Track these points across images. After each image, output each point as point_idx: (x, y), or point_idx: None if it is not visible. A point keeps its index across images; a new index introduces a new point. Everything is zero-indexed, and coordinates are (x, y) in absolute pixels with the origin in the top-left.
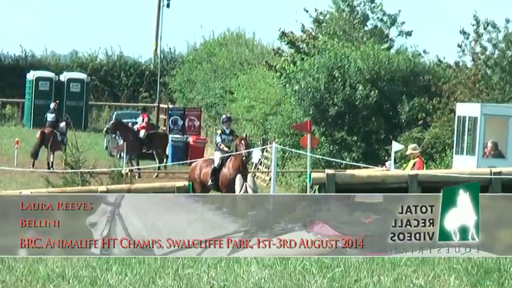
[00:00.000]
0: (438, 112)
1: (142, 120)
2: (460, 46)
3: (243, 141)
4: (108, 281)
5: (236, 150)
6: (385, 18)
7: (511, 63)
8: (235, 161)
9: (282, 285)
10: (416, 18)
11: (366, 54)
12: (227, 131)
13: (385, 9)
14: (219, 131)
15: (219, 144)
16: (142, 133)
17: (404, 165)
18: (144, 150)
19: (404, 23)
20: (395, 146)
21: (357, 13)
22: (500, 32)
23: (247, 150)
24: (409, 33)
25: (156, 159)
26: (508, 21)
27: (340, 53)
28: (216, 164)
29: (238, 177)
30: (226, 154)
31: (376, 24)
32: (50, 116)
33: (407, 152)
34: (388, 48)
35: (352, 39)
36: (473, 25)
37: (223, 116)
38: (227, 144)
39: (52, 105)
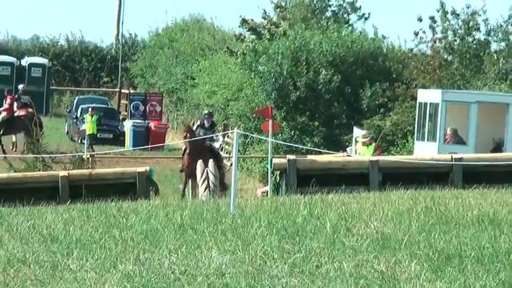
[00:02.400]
0: (399, 99)
1: (5, 102)
2: (416, 34)
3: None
4: (69, 266)
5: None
6: (344, 4)
7: (470, 50)
8: (191, 150)
9: (243, 271)
10: (374, 3)
11: (329, 37)
12: (206, 125)
13: None
14: (198, 122)
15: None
16: (0, 117)
17: (359, 149)
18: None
19: (361, 7)
20: (357, 132)
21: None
22: (459, 18)
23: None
24: (366, 18)
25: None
26: (468, 6)
27: (305, 36)
28: (182, 150)
29: (199, 162)
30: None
31: (335, 10)
32: (25, 98)
33: (359, 140)
34: (349, 33)
35: (314, 25)
36: (438, 10)
37: (205, 111)
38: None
39: (21, 87)
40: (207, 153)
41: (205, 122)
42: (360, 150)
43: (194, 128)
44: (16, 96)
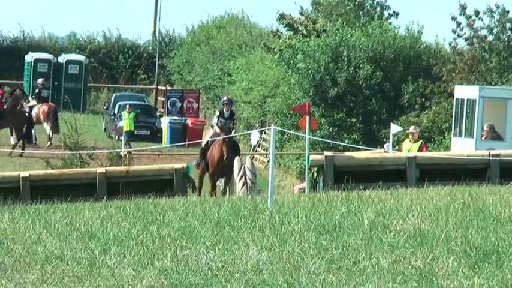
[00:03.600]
0: (436, 97)
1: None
2: (454, 32)
3: (224, 128)
4: (107, 263)
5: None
6: (373, 2)
7: (506, 47)
8: (219, 144)
9: (280, 267)
10: (405, 2)
11: (370, 33)
12: (226, 114)
13: None
14: (218, 112)
15: (213, 126)
16: None
17: (406, 146)
18: None
19: (389, 6)
20: (394, 128)
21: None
22: (493, 17)
23: (226, 136)
24: (397, 14)
25: (14, 136)
26: (497, 6)
27: (345, 32)
28: (203, 145)
29: (237, 159)
30: (216, 137)
31: (369, 9)
32: (45, 92)
33: (409, 131)
34: (391, 29)
35: (350, 22)
36: (461, 14)
37: (224, 98)
38: (221, 125)
39: (41, 81)
40: (234, 153)
41: (224, 110)
42: (406, 146)
43: (215, 120)
44: (36, 90)
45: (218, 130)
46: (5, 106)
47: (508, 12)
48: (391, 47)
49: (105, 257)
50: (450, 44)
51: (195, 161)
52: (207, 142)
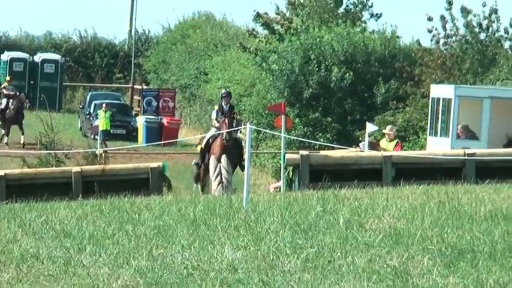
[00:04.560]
0: (410, 97)
1: None
2: (430, 31)
3: (226, 121)
4: (82, 262)
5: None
6: (356, 1)
7: (483, 46)
8: (218, 142)
9: (255, 266)
10: (386, 2)
11: (340, 36)
12: (225, 108)
13: None
14: (216, 107)
15: (212, 122)
16: None
17: (383, 145)
18: None
19: (372, 4)
20: (370, 128)
21: None
22: (474, 16)
23: (228, 130)
24: (379, 16)
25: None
26: (484, 5)
27: (315, 35)
28: (203, 145)
29: (212, 158)
30: (216, 133)
31: (349, 8)
32: (10, 88)
33: (385, 131)
34: (362, 31)
35: (327, 21)
36: (446, 9)
37: (223, 91)
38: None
39: (8, 79)
40: (234, 148)
41: (223, 104)
42: (383, 145)
43: (213, 115)
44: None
45: (217, 124)
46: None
47: (494, 11)
48: (363, 49)
49: (80, 256)
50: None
51: (194, 161)
52: (208, 141)
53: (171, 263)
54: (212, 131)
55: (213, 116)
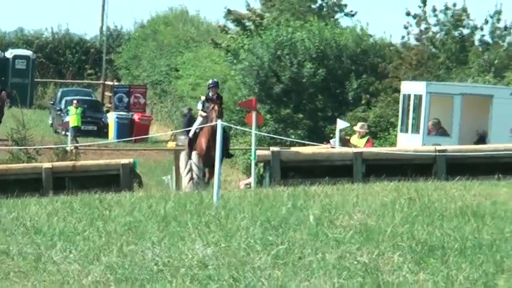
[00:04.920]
0: (382, 93)
1: None
2: (406, 27)
3: (216, 107)
4: (53, 258)
5: (209, 120)
6: (330, 3)
7: (456, 43)
8: (205, 131)
9: (226, 263)
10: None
11: (312, 33)
12: (213, 97)
13: None
14: (203, 98)
15: (198, 112)
16: None
17: (354, 141)
18: None
19: (346, 5)
20: (341, 124)
21: None
22: (447, 11)
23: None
24: (353, 15)
25: None
26: (455, 4)
27: (287, 31)
28: (190, 134)
29: (183, 154)
30: (203, 126)
31: (322, 5)
32: None
33: (356, 128)
34: (333, 27)
35: (300, 17)
36: (420, 7)
37: (210, 81)
38: (207, 110)
39: None
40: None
41: (210, 94)
42: (354, 142)
43: (199, 105)
44: None
45: (204, 114)
46: None
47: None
48: (335, 45)
49: (51, 252)
50: (401, 44)
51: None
52: (195, 131)
53: (142, 260)
54: (199, 121)
55: (199, 106)
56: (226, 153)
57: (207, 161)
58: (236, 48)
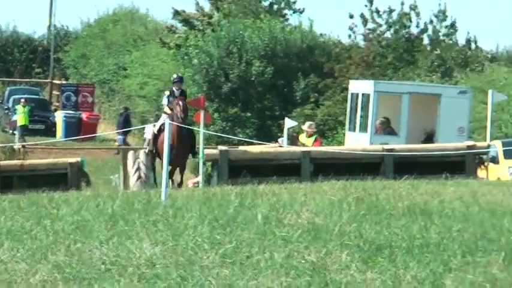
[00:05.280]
0: (330, 91)
1: None
2: (351, 29)
3: (180, 102)
4: (0, 257)
5: (174, 116)
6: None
7: (403, 43)
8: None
9: (173, 261)
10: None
11: (261, 30)
12: (177, 93)
13: None
14: (167, 92)
15: (163, 107)
16: None
17: (302, 140)
18: None
19: (295, 2)
20: (288, 123)
21: None
22: (393, 12)
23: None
24: (301, 12)
25: None
26: (402, 3)
27: (238, 28)
28: (155, 130)
29: (131, 153)
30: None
31: (272, 2)
32: None
33: (304, 128)
34: (283, 27)
35: (249, 14)
36: (366, 6)
37: (174, 76)
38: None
39: None
40: (188, 136)
41: (174, 89)
42: (302, 140)
43: (165, 100)
44: None
45: (169, 111)
46: None
47: (412, 9)
48: (282, 44)
49: None
50: (349, 45)
51: (147, 149)
52: (160, 127)
53: (89, 258)
54: (163, 118)
55: (164, 101)
56: (192, 152)
57: (171, 160)
58: (186, 46)
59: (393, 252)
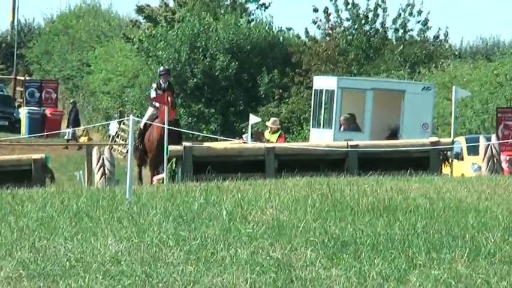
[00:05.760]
0: (294, 87)
1: None
2: (315, 23)
3: (168, 98)
4: None
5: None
6: None
7: (367, 38)
8: (159, 121)
9: (138, 258)
10: None
11: (226, 25)
12: (164, 86)
13: None
14: (154, 85)
15: (152, 101)
16: None
17: (266, 136)
18: None
19: None
20: (253, 119)
21: None
22: (357, 8)
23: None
24: (266, 7)
25: None
26: None
27: (204, 23)
28: (141, 125)
29: (95, 149)
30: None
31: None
32: None
33: (268, 124)
34: (249, 21)
35: (213, 11)
36: (331, 0)
37: (161, 68)
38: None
39: None
40: (174, 132)
41: (161, 81)
42: (266, 137)
43: (153, 93)
44: None
45: (157, 105)
46: None
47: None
48: (247, 39)
49: None
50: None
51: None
52: (145, 124)
53: (54, 255)
54: (150, 111)
55: (153, 94)
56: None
57: (158, 158)
58: (151, 41)
59: (358, 249)
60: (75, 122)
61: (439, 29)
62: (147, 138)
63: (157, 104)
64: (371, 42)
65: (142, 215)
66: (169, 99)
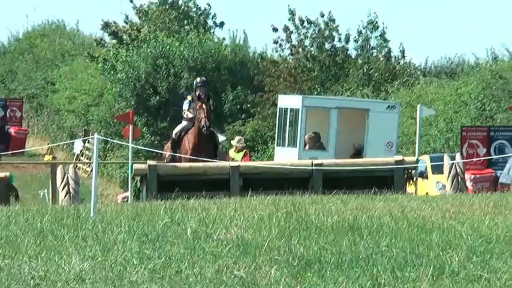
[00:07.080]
0: (259, 106)
1: None
2: (276, 42)
3: (203, 106)
4: None
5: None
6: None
7: (328, 57)
8: (192, 133)
9: (103, 276)
10: (232, 11)
11: (191, 44)
12: (202, 97)
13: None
14: (189, 97)
15: (184, 113)
16: None
17: (231, 155)
18: None
19: (215, 15)
20: (218, 138)
21: (179, 8)
22: (316, 26)
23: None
24: (220, 25)
25: None
26: (322, 15)
27: (165, 42)
28: (174, 135)
29: (59, 168)
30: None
31: (193, 18)
32: None
33: (233, 143)
34: (212, 38)
35: (174, 31)
36: (289, 19)
37: (198, 79)
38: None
39: None
40: (209, 141)
41: (198, 92)
42: (232, 155)
43: (186, 105)
44: None
45: (190, 115)
46: None
47: (331, 21)
48: (211, 57)
49: None
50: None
51: (166, 159)
52: (180, 134)
53: (18, 274)
54: (183, 124)
55: (185, 106)
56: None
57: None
58: (113, 60)
59: (322, 267)
60: (2, 139)
61: (401, 43)
62: (181, 147)
63: (190, 115)
64: (330, 61)
65: (106, 234)
66: (204, 106)
